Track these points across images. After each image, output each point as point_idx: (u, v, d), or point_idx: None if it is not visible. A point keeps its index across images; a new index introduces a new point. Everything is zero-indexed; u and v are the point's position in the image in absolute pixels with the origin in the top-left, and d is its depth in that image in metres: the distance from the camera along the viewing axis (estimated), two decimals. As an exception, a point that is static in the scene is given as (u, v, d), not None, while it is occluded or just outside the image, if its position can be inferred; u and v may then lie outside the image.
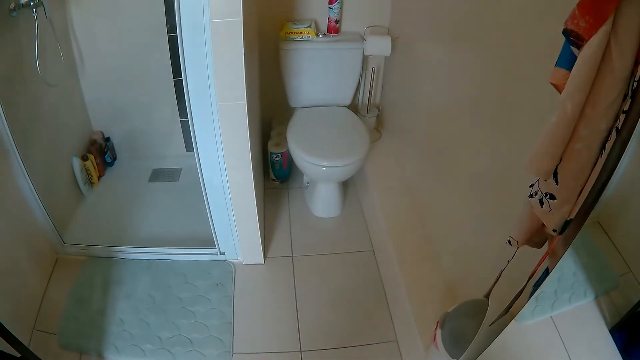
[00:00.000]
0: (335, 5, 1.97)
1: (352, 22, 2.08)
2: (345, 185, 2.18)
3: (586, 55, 0.58)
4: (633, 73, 0.59)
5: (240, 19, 1.15)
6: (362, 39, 2.01)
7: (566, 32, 0.61)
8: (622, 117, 0.59)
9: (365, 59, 2.06)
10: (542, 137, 0.67)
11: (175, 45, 1.27)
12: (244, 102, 1.31)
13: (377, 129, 2.31)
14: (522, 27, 1.02)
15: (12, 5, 1.57)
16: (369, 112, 2.26)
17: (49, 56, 1.78)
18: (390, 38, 1.95)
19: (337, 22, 2.02)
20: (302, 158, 1.76)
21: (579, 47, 0.59)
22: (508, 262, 0.88)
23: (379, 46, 1.95)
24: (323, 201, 2.04)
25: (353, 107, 2.23)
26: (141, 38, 2.02)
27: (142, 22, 1.98)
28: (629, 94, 0.59)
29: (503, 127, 1.13)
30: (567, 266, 0.76)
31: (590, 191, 0.63)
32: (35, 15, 1.64)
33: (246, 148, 1.42)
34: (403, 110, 2.07)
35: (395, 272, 1.58)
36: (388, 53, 1.97)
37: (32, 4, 1.62)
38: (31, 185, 1.60)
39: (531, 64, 0.98)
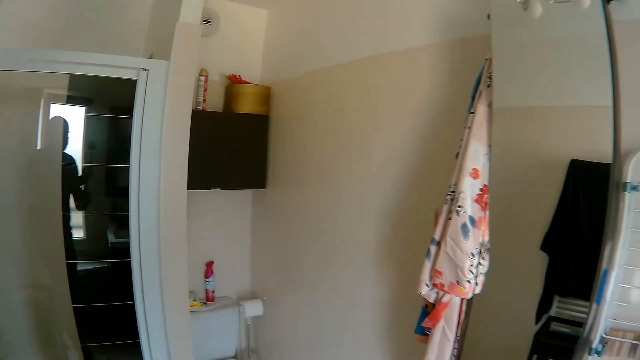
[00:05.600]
0: (211, 279, 2.44)
1: (225, 289, 2.55)
2: None
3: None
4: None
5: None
6: (238, 303, 2.46)
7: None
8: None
9: (241, 317, 2.45)
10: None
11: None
12: None
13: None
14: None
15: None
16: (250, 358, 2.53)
17: None
18: (261, 301, 2.46)
19: (213, 292, 2.46)
20: None
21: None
22: None
23: (254, 309, 2.44)
24: None
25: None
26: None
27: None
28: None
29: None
30: None
31: None
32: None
33: None
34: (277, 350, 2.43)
35: None
36: (261, 312, 2.45)
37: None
38: None
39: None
